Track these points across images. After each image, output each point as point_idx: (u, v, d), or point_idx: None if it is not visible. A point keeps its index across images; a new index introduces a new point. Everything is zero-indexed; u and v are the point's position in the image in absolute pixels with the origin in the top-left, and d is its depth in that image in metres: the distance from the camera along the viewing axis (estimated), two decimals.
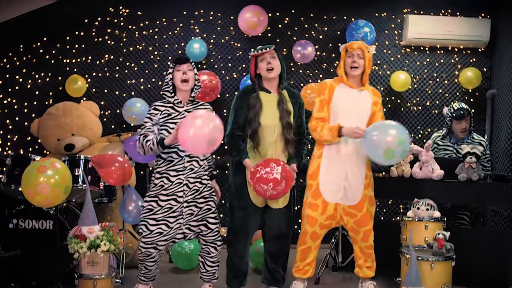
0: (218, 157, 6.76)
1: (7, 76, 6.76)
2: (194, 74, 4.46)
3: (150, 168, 4.50)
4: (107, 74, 6.98)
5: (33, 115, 6.72)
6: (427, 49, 7.15)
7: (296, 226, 6.97)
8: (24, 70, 6.81)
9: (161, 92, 4.50)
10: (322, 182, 4.47)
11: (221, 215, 5.99)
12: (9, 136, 6.74)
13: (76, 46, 6.91)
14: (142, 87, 6.97)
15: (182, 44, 6.98)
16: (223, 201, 6.09)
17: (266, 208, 4.46)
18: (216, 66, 7.06)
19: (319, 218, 4.46)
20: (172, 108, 4.38)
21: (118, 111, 6.91)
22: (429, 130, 7.08)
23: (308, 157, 4.76)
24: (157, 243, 4.27)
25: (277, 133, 4.38)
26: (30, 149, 6.71)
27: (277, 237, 4.50)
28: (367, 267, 4.62)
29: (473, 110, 6.04)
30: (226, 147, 4.59)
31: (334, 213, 4.47)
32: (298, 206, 6.99)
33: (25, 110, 6.79)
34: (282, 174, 4.14)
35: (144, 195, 4.50)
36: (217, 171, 4.53)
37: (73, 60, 6.92)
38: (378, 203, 7.08)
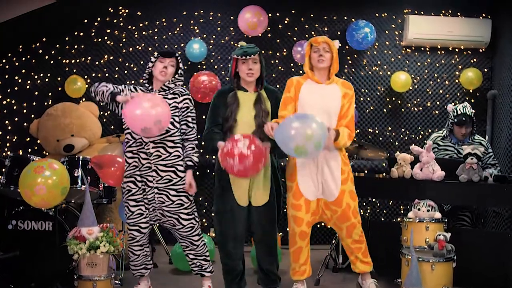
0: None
1: (6, 76, 6.77)
2: (179, 68, 4.50)
3: None
4: (107, 74, 6.99)
5: (32, 115, 6.72)
6: (427, 49, 7.15)
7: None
8: (23, 71, 6.82)
9: (135, 87, 4.53)
10: (300, 182, 4.41)
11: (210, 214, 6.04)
12: (8, 137, 6.75)
13: (76, 46, 6.92)
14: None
15: (182, 44, 6.98)
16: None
17: (250, 207, 4.45)
18: (216, 67, 7.06)
19: (305, 217, 4.41)
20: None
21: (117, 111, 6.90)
22: (429, 130, 7.09)
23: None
24: (139, 225, 4.35)
25: (252, 132, 4.36)
26: (29, 150, 6.71)
27: (262, 236, 4.49)
28: (361, 262, 4.56)
29: (473, 111, 6.03)
30: (203, 144, 4.54)
31: (316, 208, 4.43)
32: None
33: (24, 111, 6.79)
34: (250, 147, 3.96)
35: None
36: (196, 165, 4.45)
37: (73, 61, 6.93)
38: (378, 204, 7.12)
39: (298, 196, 4.40)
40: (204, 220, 6.94)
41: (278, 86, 6.88)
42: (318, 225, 6.85)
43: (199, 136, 4.52)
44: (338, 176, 4.39)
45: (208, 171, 6.91)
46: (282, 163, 5.59)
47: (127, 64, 7.01)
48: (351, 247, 4.51)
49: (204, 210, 6.98)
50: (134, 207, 4.35)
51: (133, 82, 6.97)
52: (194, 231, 4.48)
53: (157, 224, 4.60)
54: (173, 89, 4.49)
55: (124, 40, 7.00)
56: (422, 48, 7.15)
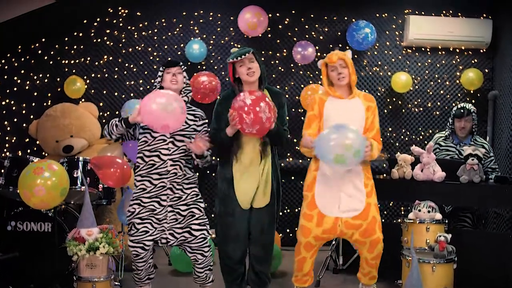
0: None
1: (5, 77, 6.77)
2: (184, 77, 4.47)
3: None
4: (106, 75, 6.99)
5: (32, 116, 6.73)
6: (428, 50, 7.16)
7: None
8: (22, 71, 6.82)
9: None
10: (317, 193, 4.37)
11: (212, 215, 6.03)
12: (7, 138, 6.75)
13: (75, 47, 6.93)
14: (141, 88, 6.98)
15: (182, 45, 6.99)
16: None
17: (251, 210, 4.46)
18: (215, 67, 7.06)
19: (314, 230, 4.33)
20: None
21: (117, 112, 6.92)
22: (430, 131, 7.09)
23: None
24: (144, 242, 4.27)
25: (257, 137, 4.37)
26: (29, 151, 6.71)
27: (259, 236, 4.48)
28: (370, 277, 4.55)
29: (475, 109, 6.02)
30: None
31: (333, 227, 4.31)
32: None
33: (23, 112, 6.80)
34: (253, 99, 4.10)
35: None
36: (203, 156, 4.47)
37: (72, 61, 6.93)
38: (379, 205, 7.10)
39: (312, 207, 4.35)
40: None
41: (278, 86, 6.89)
42: None
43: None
44: (363, 189, 4.34)
45: (208, 171, 6.91)
46: (282, 164, 5.60)
47: (126, 65, 7.01)
48: (370, 262, 4.41)
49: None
50: (140, 224, 4.27)
51: (132, 82, 6.98)
52: (206, 242, 4.45)
53: (166, 246, 4.53)
54: (191, 108, 4.49)
55: (123, 40, 7.00)
56: (423, 49, 7.16)
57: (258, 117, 4.04)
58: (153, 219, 4.29)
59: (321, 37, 7.11)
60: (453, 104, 5.82)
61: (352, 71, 4.38)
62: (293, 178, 7.01)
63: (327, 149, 3.99)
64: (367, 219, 4.27)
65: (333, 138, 3.98)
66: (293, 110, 6.94)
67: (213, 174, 6.89)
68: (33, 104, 6.81)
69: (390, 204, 7.14)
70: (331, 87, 4.46)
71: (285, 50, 7.08)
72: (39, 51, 6.85)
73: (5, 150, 6.72)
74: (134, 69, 7.00)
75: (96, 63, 6.98)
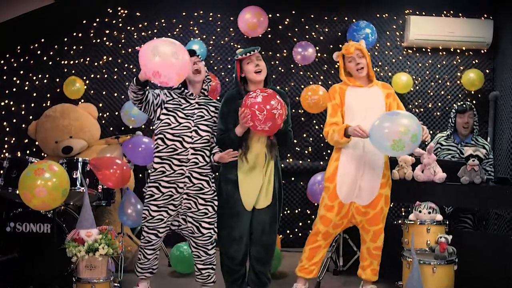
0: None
1: (4, 77, 6.77)
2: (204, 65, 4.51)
3: (149, 171, 4.49)
4: (106, 75, 6.99)
5: (31, 117, 6.73)
6: (429, 50, 7.16)
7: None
8: (21, 72, 6.82)
9: (169, 91, 4.50)
10: (339, 184, 4.49)
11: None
12: (6, 139, 6.75)
13: (74, 47, 6.93)
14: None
15: None
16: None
17: (253, 211, 4.47)
18: (215, 68, 7.06)
19: (334, 219, 4.49)
20: (184, 99, 4.43)
21: (116, 113, 6.92)
22: (431, 132, 7.08)
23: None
24: (158, 229, 4.34)
25: (265, 138, 4.39)
26: (28, 152, 6.71)
27: (261, 235, 4.49)
28: (371, 270, 4.60)
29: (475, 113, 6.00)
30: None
31: (347, 211, 4.52)
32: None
33: (23, 112, 6.80)
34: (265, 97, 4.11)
35: (143, 198, 4.50)
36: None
37: (71, 62, 6.93)
38: None
39: (333, 197, 4.48)
40: None
41: (278, 87, 6.88)
42: None
43: None
44: (379, 180, 4.46)
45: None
46: (282, 165, 5.60)
47: (126, 65, 7.01)
48: (372, 252, 4.57)
49: None
50: (156, 212, 4.31)
51: None
52: (211, 240, 4.48)
53: (177, 230, 4.55)
54: (212, 100, 4.55)
55: (123, 41, 7.01)
56: (424, 49, 7.16)
57: (270, 114, 4.06)
58: (170, 206, 4.34)
59: (321, 38, 7.12)
60: (454, 105, 5.84)
61: (369, 61, 4.49)
62: (293, 179, 7.02)
63: (384, 137, 4.05)
64: (375, 209, 4.48)
65: (387, 126, 4.06)
66: (293, 110, 6.94)
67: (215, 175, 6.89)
68: (32, 104, 6.82)
69: (391, 205, 7.12)
70: (349, 77, 4.53)
71: (285, 51, 7.09)
72: (38, 52, 6.86)
73: (4, 151, 6.72)
74: (134, 70, 7.00)
75: (96, 64, 6.98)
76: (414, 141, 4.04)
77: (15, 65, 6.80)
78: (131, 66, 7.01)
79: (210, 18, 7.10)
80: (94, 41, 6.97)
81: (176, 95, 4.44)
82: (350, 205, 4.51)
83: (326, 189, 4.58)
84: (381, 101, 4.55)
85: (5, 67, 6.78)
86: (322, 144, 7.11)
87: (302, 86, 7.04)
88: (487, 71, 7.10)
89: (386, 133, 4.05)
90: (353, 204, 4.51)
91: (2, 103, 6.76)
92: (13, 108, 6.78)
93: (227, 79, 7.02)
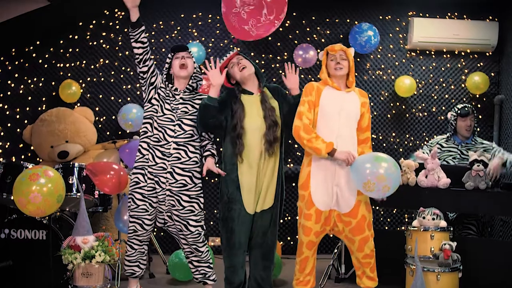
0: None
1: None
2: (193, 62, 4.57)
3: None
4: (102, 79, 7.01)
5: (26, 121, 6.75)
6: (433, 53, 7.19)
7: (289, 238, 7.02)
8: (16, 75, 6.84)
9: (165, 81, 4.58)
10: (313, 191, 4.42)
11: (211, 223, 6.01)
12: (0, 143, 6.76)
13: (70, 50, 6.95)
14: (138, 93, 7.00)
15: None
16: (215, 211, 6.09)
17: (254, 214, 4.49)
18: None
19: (314, 227, 4.43)
20: (170, 93, 4.51)
21: (113, 117, 6.94)
22: (435, 137, 7.09)
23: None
24: (143, 219, 4.40)
25: (261, 135, 4.43)
26: (23, 157, 6.73)
27: (261, 238, 4.50)
28: (367, 277, 4.58)
29: (480, 116, 6.04)
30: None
31: (328, 218, 4.44)
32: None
33: (18, 116, 6.82)
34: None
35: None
36: (215, 156, 4.55)
37: (67, 65, 6.96)
38: (382, 213, 7.14)
39: (309, 205, 4.41)
40: None
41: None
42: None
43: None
44: (355, 187, 4.39)
45: (207, 178, 6.91)
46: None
47: (123, 68, 7.03)
48: (361, 261, 4.49)
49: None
50: (140, 201, 4.39)
51: (129, 86, 7.01)
52: (200, 237, 4.52)
53: (163, 227, 4.60)
54: (200, 95, 4.62)
55: (120, 43, 7.03)
56: (427, 52, 7.19)
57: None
58: (153, 199, 4.40)
59: (322, 40, 7.14)
60: (454, 108, 5.82)
61: (351, 66, 4.48)
62: (294, 184, 7.03)
63: (361, 174, 4.17)
64: (356, 217, 4.38)
65: (369, 166, 4.17)
66: None
67: (212, 180, 6.91)
68: (27, 108, 6.84)
69: (394, 211, 7.16)
70: (329, 78, 4.53)
71: (286, 53, 7.11)
72: (34, 54, 6.88)
73: None
74: (131, 73, 7.02)
75: (92, 67, 7.00)
76: (384, 192, 4.21)
77: (9, 68, 6.83)
78: (128, 69, 7.03)
79: (209, 20, 7.12)
80: (90, 43, 6.99)
81: (168, 87, 4.53)
82: (330, 213, 4.43)
83: (301, 197, 4.50)
84: (356, 108, 4.49)
85: None
86: None
87: None
88: (492, 74, 7.12)
89: (365, 172, 4.15)
90: (333, 211, 4.45)
91: None
92: (7, 112, 6.80)
93: None
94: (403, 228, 6.42)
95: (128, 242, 4.52)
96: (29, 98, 6.87)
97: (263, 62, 7.12)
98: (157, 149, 4.38)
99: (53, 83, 6.92)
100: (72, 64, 6.97)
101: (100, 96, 7.01)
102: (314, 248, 4.54)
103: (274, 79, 7.08)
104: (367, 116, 4.55)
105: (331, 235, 5.91)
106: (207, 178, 6.91)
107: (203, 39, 7.08)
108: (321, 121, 4.43)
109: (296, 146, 7.00)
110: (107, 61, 7.03)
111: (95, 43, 7.00)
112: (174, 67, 4.52)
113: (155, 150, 4.38)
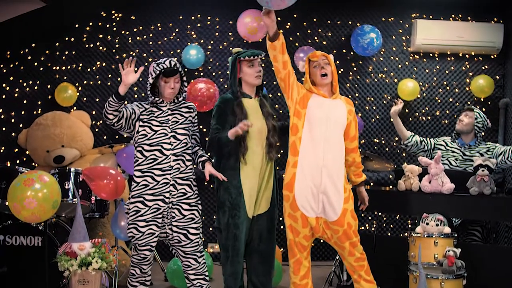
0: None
1: None
2: (182, 81, 4.52)
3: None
4: (99, 82, 7.02)
5: (21, 125, 6.74)
6: (436, 55, 7.20)
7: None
8: (11, 78, 6.84)
9: (141, 103, 4.55)
10: (298, 194, 4.42)
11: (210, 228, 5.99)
12: None
13: (66, 52, 6.96)
14: (135, 96, 7.01)
15: (178, 50, 7.03)
16: (214, 217, 6.04)
17: (252, 218, 4.51)
18: (213, 74, 7.10)
19: (302, 231, 4.43)
20: (156, 107, 4.47)
21: None
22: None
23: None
24: (150, 244, 4.34)
25: (264, 138, 4.48)
26: (18, 161, 6.72)
27: (259, 242, 4.53)
28: (364, 280, 4.58)
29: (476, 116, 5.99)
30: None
31: (316, 226, 4.42)
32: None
33: (13, 120, 6.82)
34: None
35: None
36: (211, 158, 4.55)
37: (63, 68, 6.96)
38: (385, 219, 7.14)
39: (294, 208, 4.39)
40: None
41: (279, 94, 6.92)
42: (322, 241, 6.86)
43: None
44: (341, 195, 4.41)
45: (205, 183, 6.90)
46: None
47: (120, 71, 7.02)
48: (353, 265, 4.50)
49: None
50: (144, 227, 4.30)
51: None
52: (199, 247, 4.49)
53: (165, 241, 4.57)
54: (184, 103, 4.59)
55: (117, 46, 7.04)
56: (431, 54, 7.20)
57: None
58: (158, 219, 4.34)
59: (324, 42, 7.16)
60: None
61: (334, 70, 4.49)
62: None
63: None
64: (343, 226, 4.39)
65: None
66: None
67: (211, 186, 6.91)
68: (23, 112, 6.84)
69: (397, 217, 7.17)
70: (314, 86, 4.55)
71: None
72: (29, 57, 6.89)
73: None
74: None
75: (89, 70, 7.01)
76: None
77: (4, 71, 6.82)
78: None
79: (208, 22, 7.13)
80: (87, 46, 7.00)
81: (148, 105, 4.48)
82: (317, 220, 4.41)
83: (286, 198, 4.47)
84: (343, 115, 4.51)
85: None
86: None
87: None
88: (497, 77, 7.13)
89: None
90: (320, 219, 4.42)
91: None
92: (2, 116, 6.80)
93: (225, 86, 7.04)
94: (406, 234, 6.43)
95: (136, 267, 4.42)
96: (25, 101, 6.87)
97: (263, 65, 7.11)
98: (155, 168, 4.34)
99: (48, 86, 6.92)
100: (68, 67, 6.98)
101: (97, 99, 7.02)
102: (306, 252, 4.53)
103: (274, 82, 7.08)
104: (353, 124, 4.59)
105: (321, 241, 5.91)
106: (206, 183, 6.91)
107: (202, 41, 7.09)
108: (308, 127, 4.44)
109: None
110: (104, 64, 7.04)
111: (91, 45, 7.01)
112: (163, 89, 4.45)
113: (153, 171, 4.34)
